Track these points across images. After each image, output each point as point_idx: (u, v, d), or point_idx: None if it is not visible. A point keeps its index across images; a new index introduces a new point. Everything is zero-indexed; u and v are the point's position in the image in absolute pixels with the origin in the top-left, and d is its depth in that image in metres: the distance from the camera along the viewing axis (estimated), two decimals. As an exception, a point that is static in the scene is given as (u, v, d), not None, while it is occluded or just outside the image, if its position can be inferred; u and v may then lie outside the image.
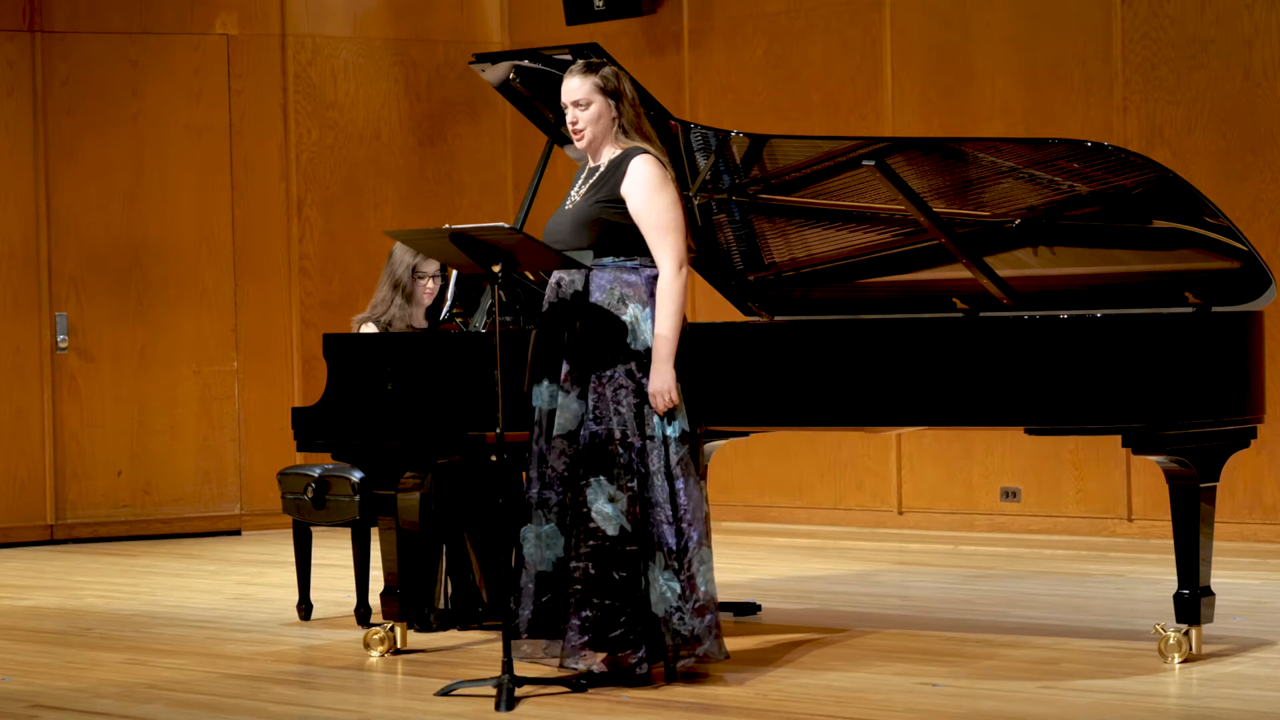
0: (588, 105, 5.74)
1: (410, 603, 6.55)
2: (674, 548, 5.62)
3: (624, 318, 5.67)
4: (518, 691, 5.56)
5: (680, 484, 5.65)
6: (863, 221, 6.61)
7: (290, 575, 7.72)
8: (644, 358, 5.65)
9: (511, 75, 6.69)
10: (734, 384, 6.08)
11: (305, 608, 7.34)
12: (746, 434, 7.11)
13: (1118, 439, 5.86)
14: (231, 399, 10.66)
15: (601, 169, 5.78)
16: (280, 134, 10.77)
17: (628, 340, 5.66)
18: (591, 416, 5.65)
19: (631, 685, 5.66)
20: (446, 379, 6.36)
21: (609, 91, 5.74)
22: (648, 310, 5.67)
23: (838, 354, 6.00)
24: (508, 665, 5.56)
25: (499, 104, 10.77)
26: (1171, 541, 6.01)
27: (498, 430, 5.69)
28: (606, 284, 5.70)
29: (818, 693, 5.61)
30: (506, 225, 5.74)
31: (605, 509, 5.62)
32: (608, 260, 5.72)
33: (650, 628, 5.63)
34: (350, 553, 7.25)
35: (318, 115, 10.85)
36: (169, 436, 10.56)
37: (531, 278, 6.61)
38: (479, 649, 6.52)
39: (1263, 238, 8.58)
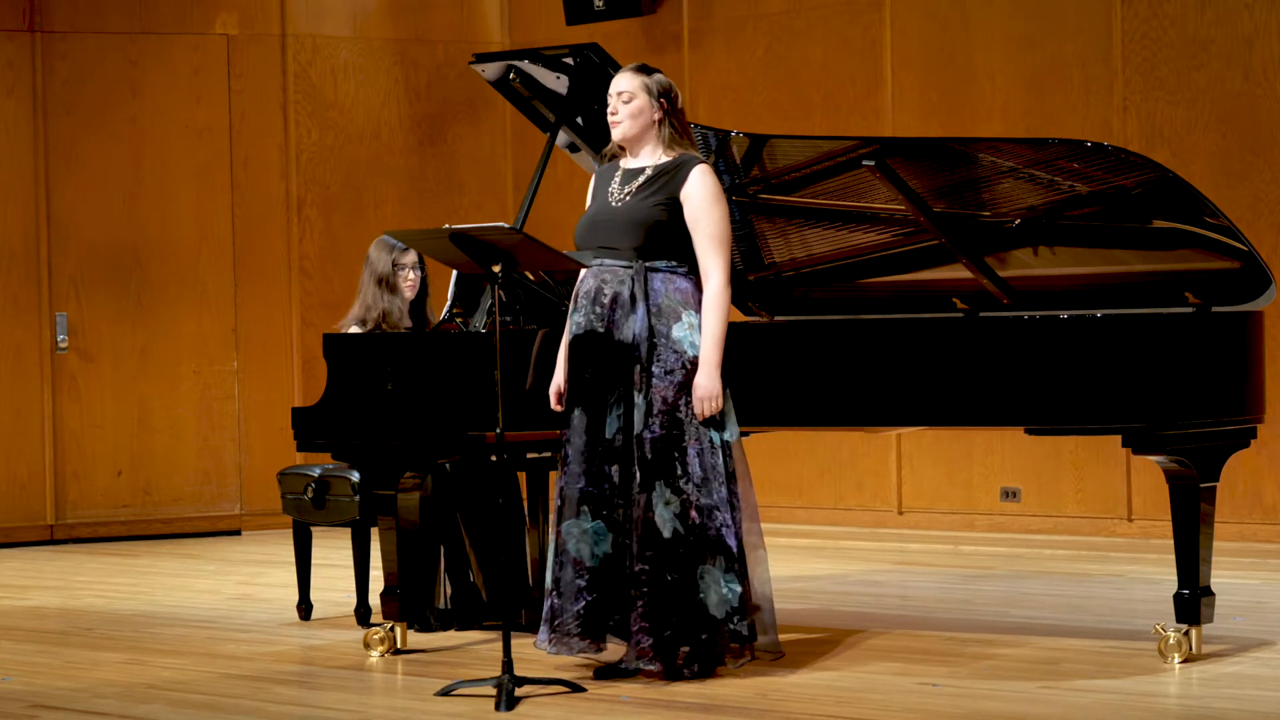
0: (631, 99, 5.81)
1: (410, 603, 6.55)
2: (735, 551, 5.68)
3: (681, 322, 5.72)
4: (518, 691, 5.56)
5: (736, 487, 5.72)
6: (863, 221, 6.61)
7: (290, 575, 7.72)
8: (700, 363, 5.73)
9: (511, 75, 6.69)
10: (734, 384, 6.07)
11: (305, 608, 7.34)
12: (747, 434, 7.10)
13: (1118, 439, 5.86)
14: (231, 399, 10.66)
15: (649, 171, 5.82)
16: (280, 134, 10.78)
17: (685, 348, 5.70)
18: (654, 420, 5.69)
19: (709, 677, 5.72)
20: (446, 379, 6.36)
21: (657, 93, 5.82)
22: (699, 317, 5.73)
23: (838, 354, 6.00)
24: (508, 665, 5.57)
25: (499, 104, 10.77)
26: (1171, 541, 6.01)
27: (498, 430, 5.70)
28: (662, 289, 5.75)
29: (818, 693, 5.61)
30: (506, 225, 5.74)
31: (663, 512, 5.67)
32: (661, 264, 5.77)
33: (705, 629, 5.67)
34: (350, 553, 7.25)
35: (318, 115, 10.85)
36: (169, 436, 10.56)
37: (531, 278, 6.61)
38: (479, 649, 6.52)
39: (1263, 238, 8.58)
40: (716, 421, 5.72)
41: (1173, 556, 6.00)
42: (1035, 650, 6.25)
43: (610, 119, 5.85)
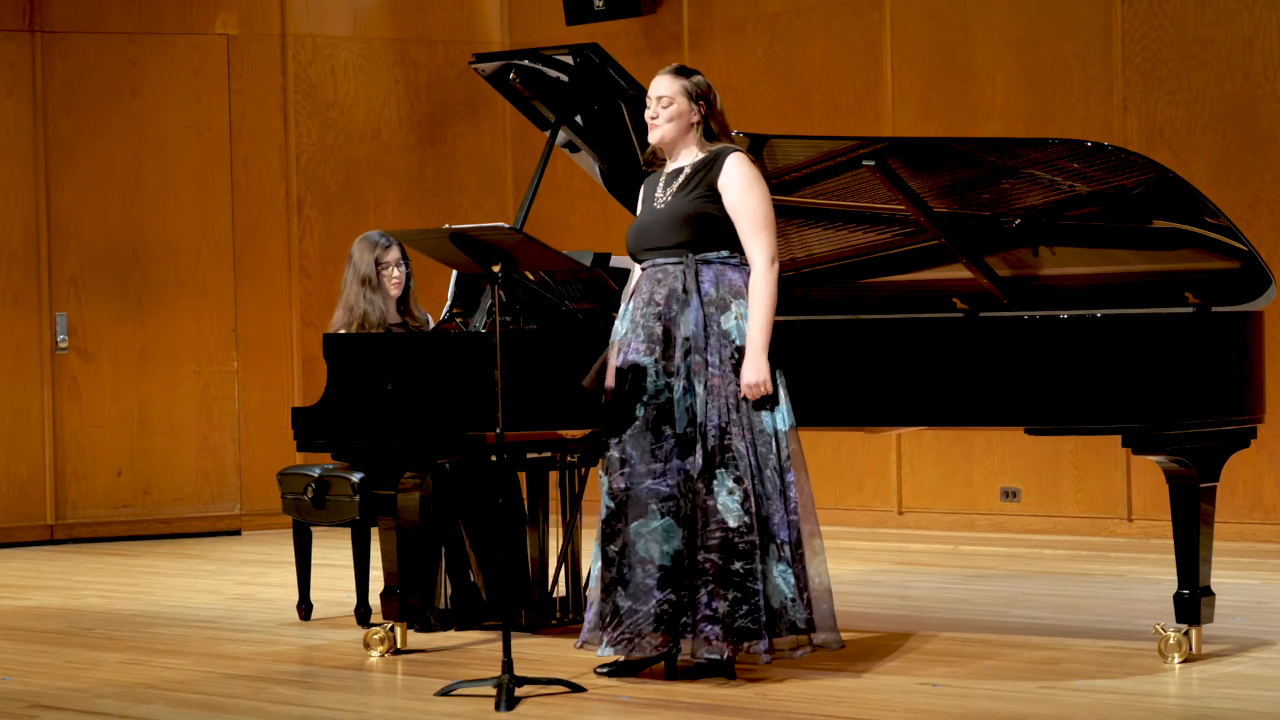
0: (670, 103, 5.86)
1: (410, 603, 6.54)
2: (787, 540, 5.70)
3: (730, 312, 5.76)
4: (518, 691, 5.56)
5: (791, 477, 5.74)
6: (863, 221, 6.60)
7: (290, 575, 7.72)
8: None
9: (512, 75, 6.69)
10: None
11: (305, 608, 7.34)
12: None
13: (1118, 439, 5.86)
14: (231, 399, 10.66)
15: (687, 170, 5.87)
16: (280, 134, 10.78)
17: (734, 337, 5.73)
18: (712, 409, 5.72)
19: (721, 675, 5.75)
20: (446, 379, 6.35)
21: (695, 96, 5.86)
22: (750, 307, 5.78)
23: (837, 354, 6.00)
24: (508, 665, 5.56)
25: (499, 104, 10.77)
26: (1171, 541, 6.01)
27: (498, 430, 5.70)
28: (713, 279, 5.78)
29: (818, 693, 5.61)
30: (506, 225, 5.75)
31: (727, 501, 5.69)
32: (712, 256, 5.81)
33: (771, 618, 5.68)
34: (350, 553, 7.25)
35: (318, 115, 10.85)
36: (169, 436, 10.56)
37: (531, 278, 6.61)
38: (479, 649, 6.52)
39: (1263, 238, 8.58)
40: (768, 406, 5.73)
41: (1173, 556, 6.00)
42: (1035, 650, 6.25)
43: (650, 122, 5.89)
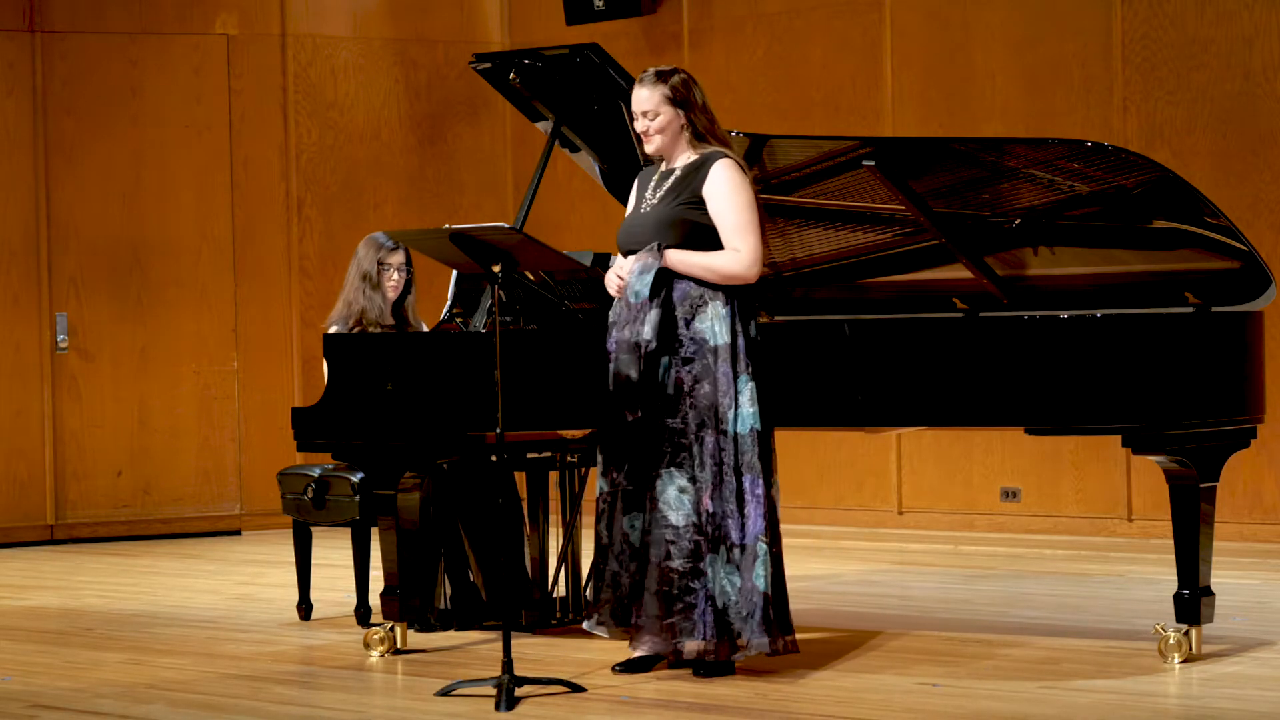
0: (656, 115, 5.89)
1: (410, 603, 6.54)
2: (739, 542, 5.70)
3: (705, 313, 5.76)
4: (518, 691, 5.56)
5: (748, 480, 5.73)
6: (863, 221, 6.60)
7: (290, 575, 7.72)
8: (723, 353, 5.74)
9: (512, 75, 6.70)
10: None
11: (305, 608, 7.34)
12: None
13: (1118, 439, 5.86)
14: (231, 399, 10.66)
15: (678, 173, 5.91)
16: (280, 134, 10.77)
17: (706, 336, 5.74)
18: (672, 407, 5.75)
19: (721, 674, 5.78)
20: (446, 379, 6.36)
21: (677, 101, 5.89)
22: (726, 309, 5.77)
23: (838, 354, 6.00)
24: (508, 665, 5.57)
25: (499, 104, 10.77)
26: (1171, 541, 6.01)
27: (498, 430, 5.70)
28: (687, 280, 5.80)
29: (818, 693, 5.61)
30: (506, 225, 5.75)
31: (670, 500, 5.71)
32: None
33: (713, 621, 5.71)
34: (350, 553, 7.26)
35: (318, 115, 10.85)
36: (169, 436, 10.56)
37: (531, 278, 6.62)
38: (479, 649, 6.52)
39: (1263, 238, 8.58)
40: (738, 411, 5.74)
41: (1173, 556, 6.00)
42: (1035, 650, 6.25)
43: (643, 135, 5.94)
